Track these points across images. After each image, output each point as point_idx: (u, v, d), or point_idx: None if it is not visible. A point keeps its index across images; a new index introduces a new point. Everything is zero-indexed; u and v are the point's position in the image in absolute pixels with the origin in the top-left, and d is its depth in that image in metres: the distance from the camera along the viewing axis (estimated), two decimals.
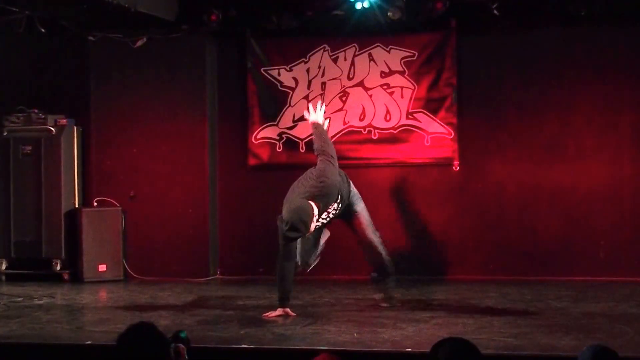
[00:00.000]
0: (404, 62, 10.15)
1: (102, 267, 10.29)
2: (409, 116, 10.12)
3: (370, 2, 9.49)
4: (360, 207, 8.03)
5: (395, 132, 10.16)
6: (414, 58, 10.14)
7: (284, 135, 10.37)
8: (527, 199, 9.92)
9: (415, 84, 10.12)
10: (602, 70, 9.78)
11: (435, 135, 10.07)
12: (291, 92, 10.35)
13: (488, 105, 10.06)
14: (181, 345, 4.83)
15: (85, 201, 10.66)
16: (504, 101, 10.01)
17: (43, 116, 10.41)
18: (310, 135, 10.03)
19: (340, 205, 7.69)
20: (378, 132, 10.20)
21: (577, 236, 9.80)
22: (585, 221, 9.78)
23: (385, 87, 10.22)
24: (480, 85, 10.09)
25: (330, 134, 10.19)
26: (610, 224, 9.72)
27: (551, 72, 9.88)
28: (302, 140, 10.26)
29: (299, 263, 7.92)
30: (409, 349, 6.26)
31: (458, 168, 10.01)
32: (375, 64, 10.26)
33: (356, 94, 10.27)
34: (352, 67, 10.32)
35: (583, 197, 9.78)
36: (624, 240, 9.69)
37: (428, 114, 10.08)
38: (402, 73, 10.16)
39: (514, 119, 9.99)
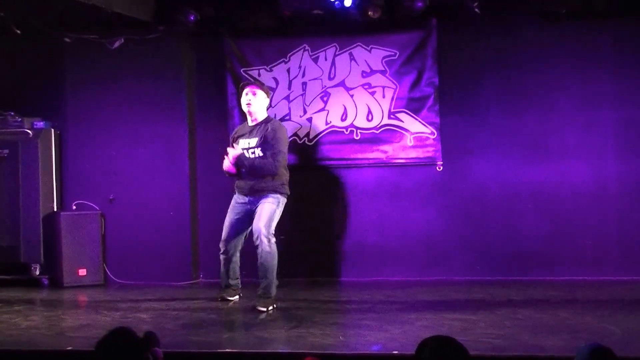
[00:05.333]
0: (385, 62, 10.09)
1: (82, 272, 10.18)
2: (391, 116, 10.06)
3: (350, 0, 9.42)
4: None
5: (377, 132, 10.10)
6: (395, 57, 10.07)
7: None
8: (511, 198, 9.88)
9: (396, 84, 10.06)
10: (583, 68, 9.77)
11: (418, 135, 10.01)
12: (272, 93, 10.25)
13: (470, 104, 10.01)
14: (158, 350, 4.77)
15: (64, 205, 10.55)
16: (485, 100, 9.98)
17: (20, 119, 10.30)
18: (291, 136, 10.05)
19: None
20: (360, 132, 10.13)
21: (562, 235, 9.76)
22: (570, 220, 9.75)
23: (366, 86, 10.15)
24: (462, 84, 10.04)
25: (312, 135, 10.19)
26: (595, 223, 9.70)
27: (532, 70, 9.85)
28: None
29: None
30: (395, 352, 6.20)
31: (441, 168, 9.95)
32: (356, 63, 10.20)
33: (337, 94, 10.21)
34: (333, 67, 10.25)
35: (567, 195, 9.75)
36: (610, 239, 9.66)
37: (410, 113, 10.02)
38: (383, 72, 10.10)
39: (496, 117, 9.95)
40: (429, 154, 9.99)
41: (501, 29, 9.93)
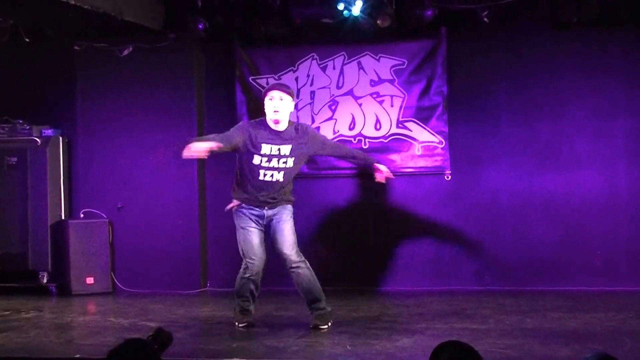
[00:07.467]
0: (393, 71, 10.08)
1: (90, 280, 10.17)
2: (400, 125, 10.05)
3: (359, 10, 9.41)
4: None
5: (385, 141, 10.08)
6: (404, 66, 10.06)
7: None
8: (521, 208, 9.85)
9: (405, 93, 10.04)
10: (594, 77, 9.74)
11: (426, 144, 9.99)
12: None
13: (479, 113, 9.99)
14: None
15: (72, 213, 10.56)
16: (495, 109, 9.96)
17: (28, 127, 10.32)
18: None
19: None
20: (368, 142, 10.11)
21: (572, 245, 9.73)
22: (581, 229, 9.72)
23: (374, 95, 10.14)
24: (471, 93, 10.02)
25: None
26: (605, 232, 9.67)
27: (542, 78, 9.83)
28: None
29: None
30: None
31: (450, 177, 9.94)
32: (365, 72, 10.18)
33: (346, 103, 10.19)
34: (341, 76, 10.24)
35: (578, 204, 9.72)
36: (620, 249, 9.63)
37: (419, 122, 10.00)
38: (391, 81, 10.09)
39: (505, 126, 9.93)
40: (438, 163, 9.97)
41: (511, 37, 9.91)
